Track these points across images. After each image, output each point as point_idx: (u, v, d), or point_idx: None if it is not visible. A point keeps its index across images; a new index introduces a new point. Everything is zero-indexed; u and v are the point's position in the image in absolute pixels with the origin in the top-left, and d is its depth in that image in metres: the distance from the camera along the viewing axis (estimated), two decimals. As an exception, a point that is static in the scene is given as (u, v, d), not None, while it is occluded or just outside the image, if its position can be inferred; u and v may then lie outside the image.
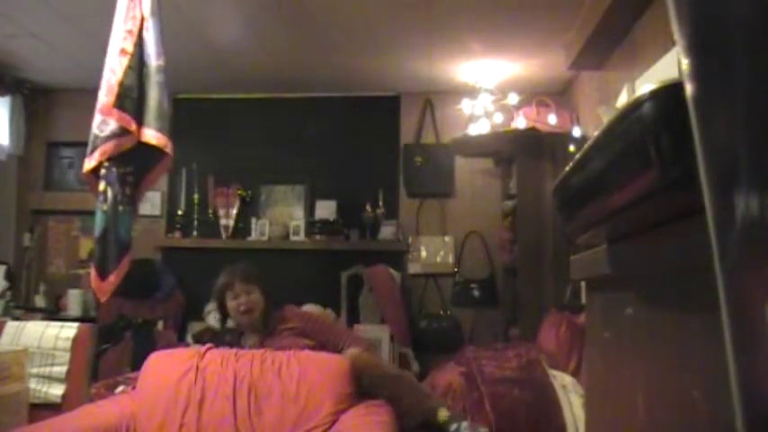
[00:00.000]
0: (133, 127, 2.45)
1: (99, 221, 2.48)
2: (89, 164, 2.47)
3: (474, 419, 2.47)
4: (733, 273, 0.38)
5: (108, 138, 2.43)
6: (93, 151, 2.45)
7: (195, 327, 4.36)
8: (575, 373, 2.69)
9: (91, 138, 2.47)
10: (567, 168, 0.93)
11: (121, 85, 2.44)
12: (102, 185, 2.46)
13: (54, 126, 4.84)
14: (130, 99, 2.46)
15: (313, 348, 2.38)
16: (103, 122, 2.44)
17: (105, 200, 2.46)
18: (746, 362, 0.37)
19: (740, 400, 0.37)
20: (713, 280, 0.40)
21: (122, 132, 2.43)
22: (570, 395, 2.53)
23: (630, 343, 0.87)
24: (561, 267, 3.50)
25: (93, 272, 2.48)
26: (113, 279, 2.45)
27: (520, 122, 3.99)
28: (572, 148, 3.39)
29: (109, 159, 2.45)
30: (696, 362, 0.62)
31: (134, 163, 2.52)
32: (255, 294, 2.56)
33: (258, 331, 2.59)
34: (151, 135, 2.48)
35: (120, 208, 2.48)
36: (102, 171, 2.46)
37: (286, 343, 2.41)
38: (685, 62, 0.42)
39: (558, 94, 4.40)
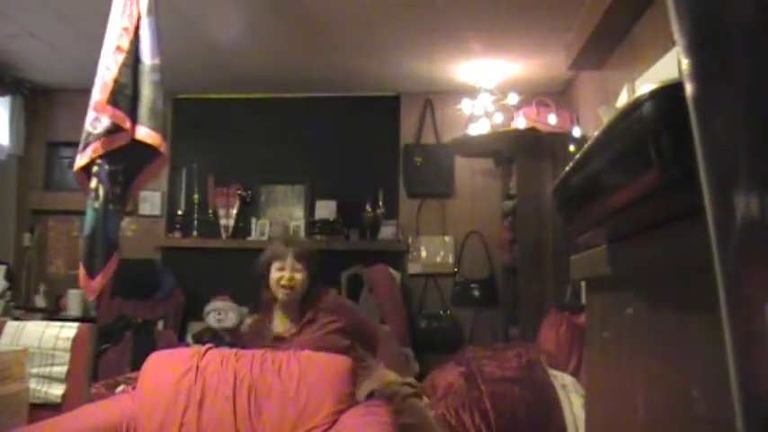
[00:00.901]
0: (127, 124, 2.44)
1: (89, 219, 2.46)
2: (81, 161, 2.45)
3: (474, 418, 2.47)
4: (733, 273, 0.38)
5: (101, 135, 2.42)
6: (85, 148, 2.44)
7: (195, 327, 4.36)
8: (575, 373, 2.70)
9: (83, 135, 2.46)
10: (567, 168, 0.93)
11: (116, 82, 2.43)
12: (93, 183, 2.45)
13: (54, 126, 4.84)
14: (125, 96, 2.45)
15: (348, 348, 2.31)
16: (96, 119, 2.43)
17: (97, 197, 2.45)
18: (746, 362, 0.37)
19: (740, 400, 0.37)
20: (713, 280, 0.40)
21: (115, 129, 2.42)
22: (570, 395, 2.53)
23: (630, 343, 0.87)
24: (561, 267, 3.50)
25: (81, 270, 2.47)
26: (101, 278, 2.44)
27: (520, 122, 3.99)
28: (572, 148, 3.40)
29: (101, 157, 2.44)
30: (696, 362, 0.62)
31: (125, 162, 2.51)
32: (302, 274, 2.40)
33: (294, 317, 2.43)
34: (145, 133, 2.47)
35: (110, 207, 2.47)
36: (95, 168, 2.46)
37: (327, 342, 2.28)
38: (685, 62, 0.42)
39: (558, 94, 4.40)
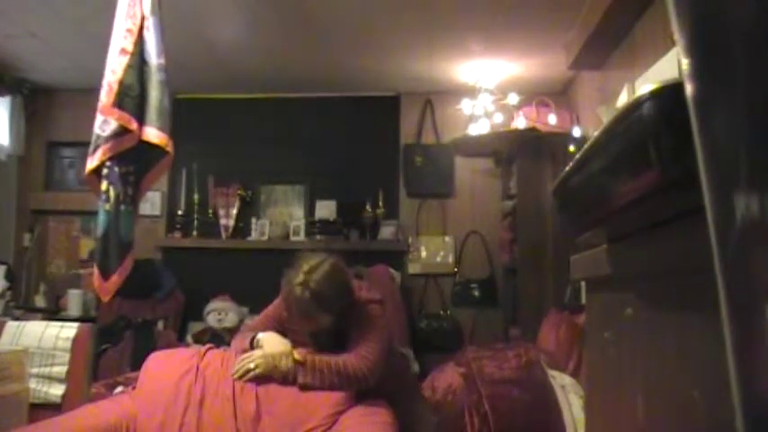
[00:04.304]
0: (134, 126, 2.45)
1: (101, 221, 2.48)
2: (91, 163, 2.47)
3: (474, 422, 2.47)
4: (733, 273, 0.38)
5: (109, 137, 2.43)
6: (95, 151, 2.46)
7: (195, 327, 4.36)
8: (575, 374, 2.69)
9: (93, 138, 2.47)
10: (567, 168, 0.93)
11: (121, 83, 2.45)
12: (104, 185, 2.47)
13: (54, 126, 4.84)
14: (130, 98, 2.46)
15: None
16: (105, 122, 2.44)
17: (108, 199, 2.46)
18: (746, 362, 0.37)
19: (740, 400, 0.37)
20: (713, 280, 0.40)
21: (123, 131, 2.44)
22: (569, 395, 2.53)
23: (630, 343, 0.87)
24: (561, 267, 3.49)
25: (95, 272, 2.48)
26: (116, 279, 2.45)
27: (520, 122, 3.99)
28: (572, 148, 3.39)
29: (110, 159, 2.45)
30: (696, 362, 0.62)
31: (135, 162, 2.53)
32: (320, 321, 2.06)
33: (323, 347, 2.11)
34: (152, 134, 2.48)
35: (122, 207, 2.48)
36: (105, 171, 2.47)
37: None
38: (685, 62, 0.42)
39: (558, 94, 4.40)
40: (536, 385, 2.59)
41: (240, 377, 2.03)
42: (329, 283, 2.04)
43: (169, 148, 2.53)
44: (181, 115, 4.79)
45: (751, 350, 0.36)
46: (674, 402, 0.68)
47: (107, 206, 2.46)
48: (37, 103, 4.78)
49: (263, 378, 2.03)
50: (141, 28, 2.51)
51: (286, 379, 2.02)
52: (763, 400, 0.35)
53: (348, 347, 2.06)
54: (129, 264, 2.51)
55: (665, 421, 0.72)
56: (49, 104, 4.84)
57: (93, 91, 2.55)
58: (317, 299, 2.00)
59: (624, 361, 0.90)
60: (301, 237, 4.58)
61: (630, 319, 0.85)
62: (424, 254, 4.60)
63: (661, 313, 0.75)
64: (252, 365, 2.04)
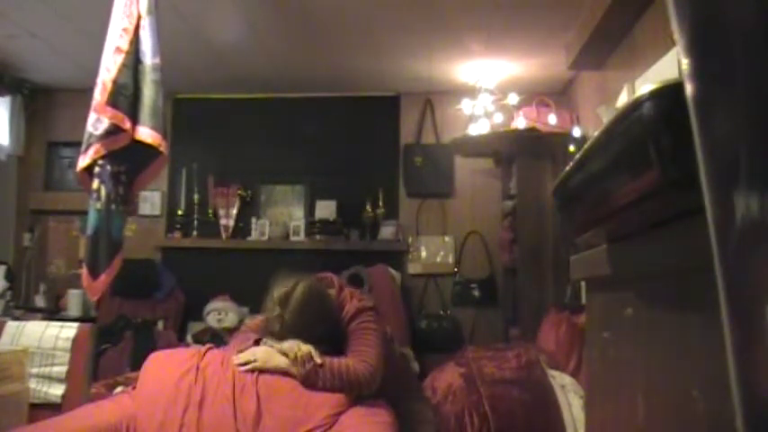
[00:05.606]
0: (127, 125, 2.44)
1: (92, 220, 2.47)
2: (83, 162, 2.46)
3: (474, 422, 2.47)
4: (733, 273, 0.38)
5: (102, 136, 2.42)
6: (87, 149, 2.45)
7: (195, 327, 4.36)
8: (574, 374, 2.69)
9: (86, 136, 2.46)
10: (567, 168, 0.93)
11: (115, 82, 2.44)
12: (95, 184, 2.46)
13: (54, 126, 4.84)
14: (124, 97, 2.45)
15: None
16: (98, 120, 2.43)
17: (98, 198, 2.45)
18: (746, 362, 0.37)
19: (740, 400, 0.37)
20: (713, 280, 0.40)
21: (116, 130, 2.43)
22: (569, 395, 2.53)
23: (630, 343, 0.87)
24: (561, 267, 3.50)
25: (84, 271, 2.47)
26: (104, 278, 2.44)
27: (520, 122, 3.99)
28: (572, 148, 3.40)
29: (103, 157, 2.44)
30: (696, 362, 0.62)
31: (128, 162, 2.51)
32: (305, 338, 2.03)
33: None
34: (146, 133, 2.47)
35: (113, 207, 2.47)
36: (96, 169, 2.46)
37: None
38: (685, 62, 0.42)
39: (558, 94, 4.40)
40: (536, 385, 2.59)
41: (241, 365, 2.05)
42: (304, 312, 2.05)
43: (163, 149, 2.52)
44: (181, 115, 4.81)
45: (751, 350, 0.36)
46: (674, 402, 0.68)
47: (98, 205, 2.45)
48: (37, 103, 4.78)
49: (264, 378, 2.03)
50: (137, 27, 2.50)
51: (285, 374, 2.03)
52: (763, 400, 0.35)
53: (346, 355, 2.08)
54: (118, 263, 2.49)
55: (664, 421, 0.72)
56: (49, 104, 4.84)
57: (93, 91, 2.54)
58: (294, 329, 2.03)
59: (624, 361, 0.90)
60: (301, 237, 4.59)
61: (630, 319, 0.85)
62: (424, 254, 4.61)
63: (661, 313, 0.75)
64: (252, 357, 2.06)
